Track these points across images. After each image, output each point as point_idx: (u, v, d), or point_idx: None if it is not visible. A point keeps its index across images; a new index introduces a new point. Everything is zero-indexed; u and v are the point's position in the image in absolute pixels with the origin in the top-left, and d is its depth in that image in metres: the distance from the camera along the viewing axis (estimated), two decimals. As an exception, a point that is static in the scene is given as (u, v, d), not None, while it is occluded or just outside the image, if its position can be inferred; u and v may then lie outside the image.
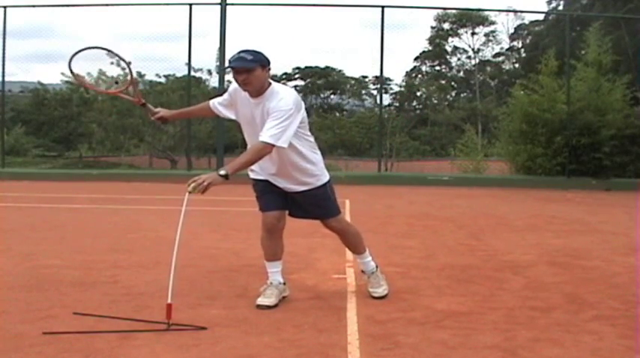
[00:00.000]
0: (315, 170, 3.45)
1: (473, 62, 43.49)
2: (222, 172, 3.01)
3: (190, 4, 12.76)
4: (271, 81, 3.29)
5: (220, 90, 13.92)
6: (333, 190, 3.56)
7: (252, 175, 3.50)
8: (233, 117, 3.48)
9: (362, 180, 11.96)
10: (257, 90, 3.22)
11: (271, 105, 3.17)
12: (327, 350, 2.70)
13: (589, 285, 3.99)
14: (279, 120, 3.11)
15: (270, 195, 3.43)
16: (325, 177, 3.50)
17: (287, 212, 3.50)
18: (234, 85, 3.35)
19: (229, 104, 3.48)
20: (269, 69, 3.25)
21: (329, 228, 3.60)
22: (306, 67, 41.98)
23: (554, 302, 3.54)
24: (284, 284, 3.48)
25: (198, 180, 2.97)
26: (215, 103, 3.56)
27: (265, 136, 3.10)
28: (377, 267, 3.70)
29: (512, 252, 5.16)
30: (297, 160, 3.36)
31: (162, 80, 22.63)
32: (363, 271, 3.72)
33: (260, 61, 3.18)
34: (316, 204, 3.50)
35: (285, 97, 3.19)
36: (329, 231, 3.64)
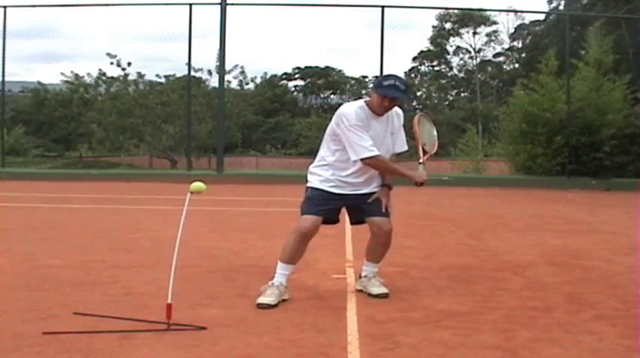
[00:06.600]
0: None
1: (474, 62, 43.52)
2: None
3: (190, 4, 12.74)
4: None
5: (220, 91, 13.86)
6: None
7: (324, 186, 3.55)
8: None
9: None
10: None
11: (399, 123, 3.70)
12: (327, 350, 2.70)
13: (589, 285, 3.99)
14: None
15: (327, 207, 3.53)
16: None
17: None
18: (357, 114, 3.48)
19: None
20: None
21: (383, 229, 3.62)
22: (306, 67, 41.97)
23: (554, 302, 3.55)
24: (285, 287, 3.48)
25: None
26: (374, 148, 3.52)
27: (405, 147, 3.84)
28: None
29: (512, 252, 5.16)
30: None
31: (163, 80, 22.59)
32: (365, 276, 3.71)
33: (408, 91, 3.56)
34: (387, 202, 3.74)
35: (398, 110, 3.67)
36: (372, 232, 3.66)
